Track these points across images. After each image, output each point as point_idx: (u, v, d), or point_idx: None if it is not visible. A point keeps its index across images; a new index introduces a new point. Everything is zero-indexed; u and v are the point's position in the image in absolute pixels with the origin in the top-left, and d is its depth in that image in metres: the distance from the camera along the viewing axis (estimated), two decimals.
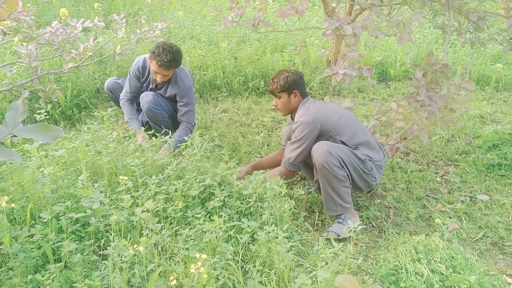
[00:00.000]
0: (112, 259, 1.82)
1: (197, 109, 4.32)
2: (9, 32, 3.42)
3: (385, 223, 2.81)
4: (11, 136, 1.15)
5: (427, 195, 3.14)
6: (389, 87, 5.27)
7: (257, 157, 3.48)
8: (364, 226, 2.75)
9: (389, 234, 2.68)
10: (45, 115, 3.10)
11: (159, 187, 2.42)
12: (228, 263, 1.99)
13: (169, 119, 3.52)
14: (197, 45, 5.33)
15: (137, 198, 2.34)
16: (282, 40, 5.72)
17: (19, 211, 2.25)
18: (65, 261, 1.95)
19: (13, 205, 2.02)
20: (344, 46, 4.28)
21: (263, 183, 2.52)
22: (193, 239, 2.08)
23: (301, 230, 2.65)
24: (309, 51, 5.36)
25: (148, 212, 2.08)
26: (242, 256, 2.12)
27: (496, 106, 4.82)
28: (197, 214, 2.29)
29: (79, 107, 4.15)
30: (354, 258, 2.30)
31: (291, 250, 2.26)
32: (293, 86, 2.82)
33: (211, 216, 2.26)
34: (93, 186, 2.39)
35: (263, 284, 1.96)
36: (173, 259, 2.01)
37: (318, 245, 2.14)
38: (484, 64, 5.85)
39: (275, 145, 3.70)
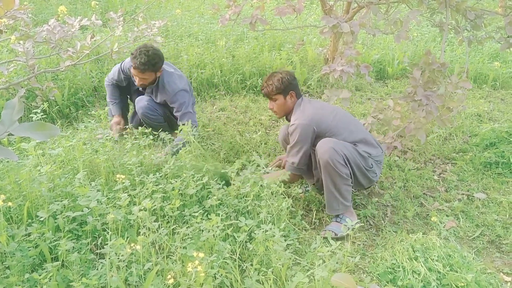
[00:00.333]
0: (109, 258, 1.81)
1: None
2: (6, 30, 3.40)
3: (383, 222, 2.81)
4: (8, 135, 1.15)
5: (424, 194, 3.14)
6: (387, 85, 5.27)
7: (254, 155, 3.47)
8: (362, 225, 2.75)
9: (386, 232, 2.69)
10: (42, 114, 3.08)
11: (156, 185, 2.42)
12: (226, 262, 2.00)
13: (164, 122, 3.52)
14: (194, 43, 5.32)
15: (134, 197, 2.34)
16: (279, 38, 5.71)
17: (16, 210, 2.24)
18: (62, 260, 1.95)
19: (10, 203, 2.02)
20: (341, 44, 4.28)
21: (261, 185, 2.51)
22: (191, 238, 2.08)
23: (299, 229, 2.65)
24: (307, 49, 5.36)
25: (145, 210, 2.07)
26: (239, 254, 2.13)
27: (493, 105, 4.83)
28: (194, 212, 2.29)
29: (76, 106, 4.14)
30: (352, 257, 2.31)
31: (288, 248, 2.26)
32: (289, 87, 2.79)
33: (208, 215, 2.26)
34: (90, 184, 2.39)
35: (260, 283, 1.96)
36: (170, 258, 2.01)
37: (316, 243, 2.14)
38: (481, 62, 5.85)
39: (273, 144, 3.70)
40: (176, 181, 2.40)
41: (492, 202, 3.03)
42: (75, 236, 2.15)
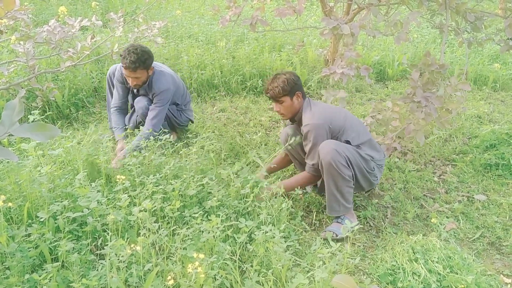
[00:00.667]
0: (109, 259, 1.81)
1: (194, 108, 4.32)
2: (6, 31, 3.41)
3: (383, 223, 2.81)
4: (8, 135, 1.15)
5: (424, 195, 3.14)
6: (387, 87, 5.28)
7: (254, 156, 3.48)
8: (362, 226, 2.75)
9: (386, 234, 2.69)
10: (42, 114, 3.08)
11: (157, 186, 2.42)
12: (226, 263, 1.99)
13: (164, 121, 3.53)
14: (195, 44, 5.33)
15: (135, 198, 2.34)
16: (280, 39, 5.72)
17: (16, 210, 2.24)
18: (62, 261, 1.95)
19: (10, 204, 2.02)
20: (342, 46, 4.28)
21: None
22: (191, 239, 2.08)
23: (299, 230, 2.65)
24: (307, 50, 5.36)
25: (146, 211, 2.07)
26: (239, 255, 2.12)
27: (493, 106, 4.83)
28: (195, 213, 2.29)
29: (76, 106, 4.14)
30: (352, 258, 2.31)
31: (288, 250, 2.26)
32: (295, 88, 2.75)
33: (208, 216, 2.26)
34: (90, 185, 2.39)
35: (260, 284, 1.96)
36: (170, 259, 2.01)
37: (316, 244, 2.14)
38: (481, 64, 5.85)
39: (273, 145, 3.69)
40: (176, 182, 2.39)
41: (492, 204, 3.03)
42: (75, 236, 2.15)
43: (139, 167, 2.57)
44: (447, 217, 2.86)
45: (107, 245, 1.85)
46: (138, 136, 3.17)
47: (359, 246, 2.59)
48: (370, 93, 5.04)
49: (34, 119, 2.88)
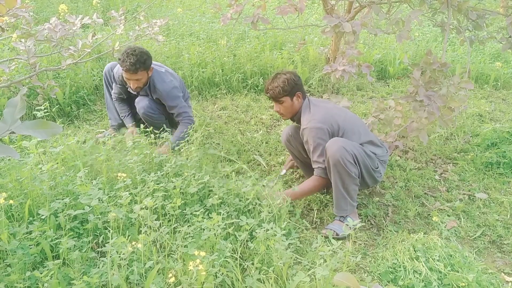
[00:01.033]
0: (110, 256, 1.81)
1: (196, 106, 4.32)
2: (7, 28, 3.41)
3: (384, 221, 2.81)
4: (9, 133, 1.15)
5: (425, 193, 3.14)
6: (388, 85, 5.27)
7: (255, 155, 3.48)
8: (363, 224, 2.75)
9: (387, 232, 2.69)
10: (45, 111, 3.08)
11: (158, 184, 2.42)
12: (227, 261, 1.99)
13: (166, 120, 3.53)
14: (196, 42, 5.32)
15: (136, 195, 2.34)
16: (281, 37, 5.71)
17: (17, 208, 2.24)
18: (63, 258, 1.95)
19: (11, 201, 2.02)
20: (343, 44, 4.28)
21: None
22: (192, 237, 2.08)
23: (300, 228, 2.65)
24: (308, 48, 5.35)
25: (147, 209, 2.07)
26: (240, 253, 2.13)
27: (495, 105, 4.82)
28: (196, 211, 2.29)
29: (77, 104, 4.14)
30: (353, 256, 2.31)
31: (289, 247, 2.26)
32: (295, 88, 2.73)
33: (209, 214, 2.26)
34: (92, 183, 2.39)
35: (261, 282, 1.96)
36: (171, 257, 2.01)
37: (317, 242, 2.14)
38: (483, 62, 5.85)
39: (274, 143, 3.69)
40: (177, 180, 2.39)
41: (494, 202, 3.03)
42: (76, 234, 2.15)
43: (140, 165, 2.57)
44: (448, 216, 2.86)
45: (108, 242, 1.85)
46: (176, 132, 3.35)
47: (360, 244, 2.59)
48: (371, 92, 5.04)
49: (41, 115, 2.86)
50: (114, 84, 3.59)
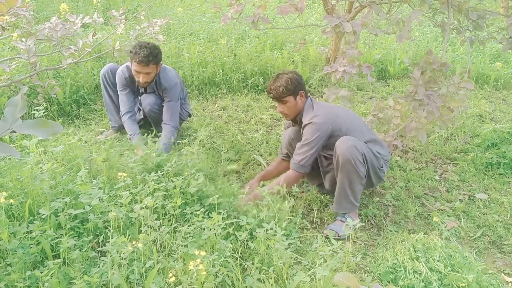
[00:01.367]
0: (110, 256, 1.81)
1: (196, 106, 4.32)
2: (8, 28, 3.41)
3: (384, 221, 2.81)
4: (10, 132, 1.15)
5: (425, 194, 3.14)
6: (388, 85, 5.27)
7: (255, 154, 3.48)
8: (363, 224, 2.75)
9: (387, 232, 2.69)
10: (44, 111, 3.08)
11: (158, 184, 2.42)
12: (227, 260, 2.00)
13: None
14: (196, 42, 5.32)
15: (136, 195, 2.34)
16: (281, 37, 5.71)
17: (18, 207, 2.24)
18: (64, 258, 1.95)
19: (11, 201, 2.02)
20: (343, 44, 4.28)
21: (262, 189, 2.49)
22: (192, 236, 2.08)
23: (300, 228, 2.65)
24: (308, 48, 5.35)
25: (147, 208, 2.07)
26: (240, 253, 2.13)
27: (495, 105, 4.82)
28: (196, 211, 2.29)
29: (77, 103, 4.14)
30: (353, 256, 2.31)
31: (289, 247, 2.26)
32: (298, 87, 2.73)
33: (209, 213, 2.26)
34: (92, 182, 2.39)
35: (261, 282, 1.96)
36: (171, 256, 2.01)
37: (317, 242, 2.14)
38: (483, 62, 5.85)
39: (274, 143, 3.69)
40: (177, 179, 2.39)
41: (494, 203, 3.03)
42: (76, 233, 2.15)
43: (140, 164, 2.57)
44: (448, 216, 2.86)
45: (109, 242, 1.85)
46: (163, 137, 3.22)
47: (360, 244, 2.59)
48: (372, 91, 5.04)
49: (39, 115, 2.86)
50: (120, 97, 3.52)
